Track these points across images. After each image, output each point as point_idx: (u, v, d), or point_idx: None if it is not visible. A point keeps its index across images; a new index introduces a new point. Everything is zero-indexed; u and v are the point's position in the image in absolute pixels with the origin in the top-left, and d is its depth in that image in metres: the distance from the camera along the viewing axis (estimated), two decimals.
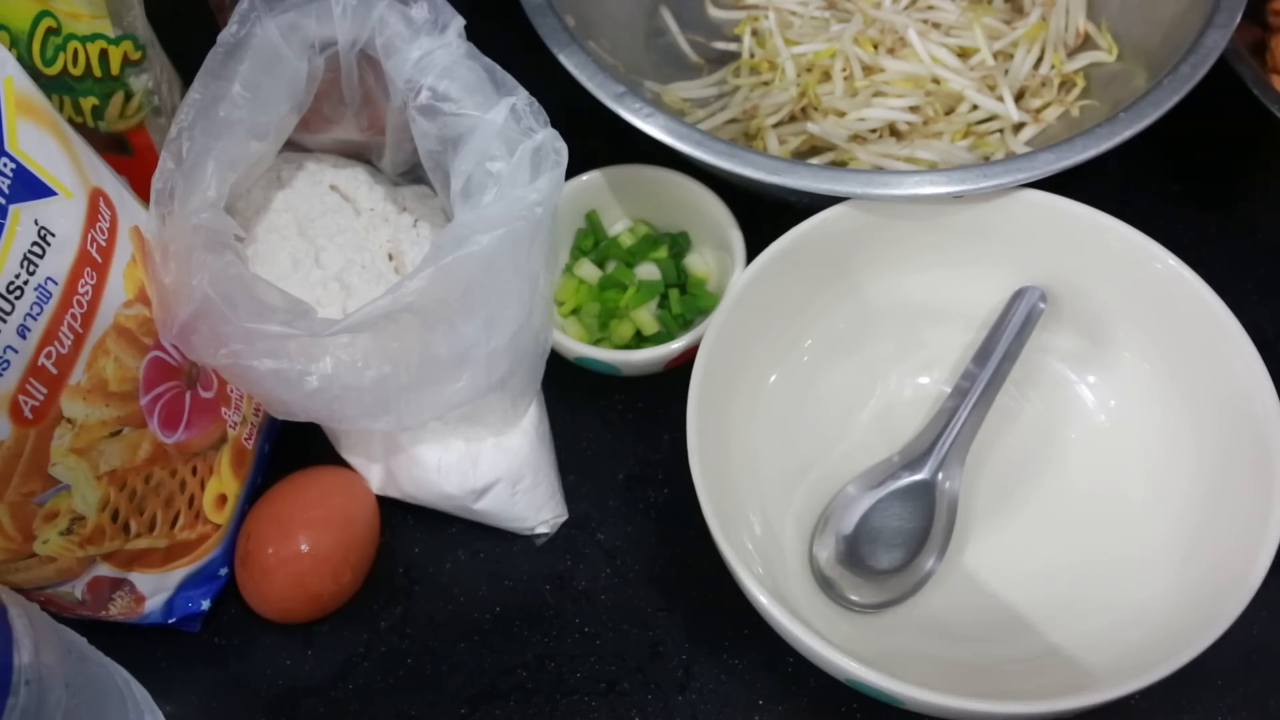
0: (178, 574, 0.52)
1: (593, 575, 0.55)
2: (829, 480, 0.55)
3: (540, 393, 0.55)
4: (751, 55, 0.66)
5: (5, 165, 0.41)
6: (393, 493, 0.56)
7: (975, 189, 0.52)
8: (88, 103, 0.53)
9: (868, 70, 0.62)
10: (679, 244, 0.61)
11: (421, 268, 0.45)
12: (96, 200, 0.45)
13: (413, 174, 0.59)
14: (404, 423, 0.49)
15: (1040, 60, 0.63)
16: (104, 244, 0.45)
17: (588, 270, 0.60)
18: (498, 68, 0.50)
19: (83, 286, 0.44)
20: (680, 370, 0.52)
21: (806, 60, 0.63)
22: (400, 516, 0.57)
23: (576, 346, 0.56)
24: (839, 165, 0.61)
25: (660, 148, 0.54)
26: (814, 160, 0.61)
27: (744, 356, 0.53)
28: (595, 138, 0.56)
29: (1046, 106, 0.62)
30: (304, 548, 0.52)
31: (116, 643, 0.49)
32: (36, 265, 0.42)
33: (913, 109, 0.61)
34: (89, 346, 0.45)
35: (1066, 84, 0.63)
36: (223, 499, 0.53)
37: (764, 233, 0.54)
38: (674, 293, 0.59)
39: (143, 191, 0.49)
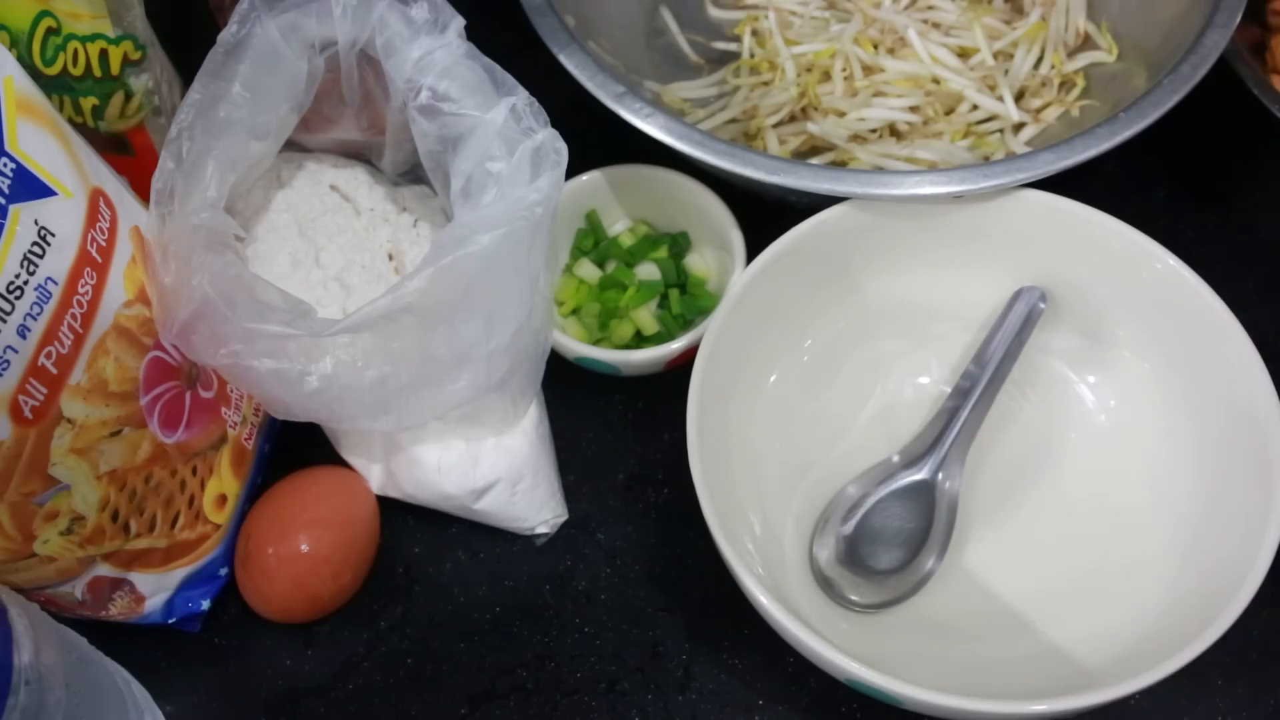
0: (178, 574, 0.52)
1: (593, 575, 0.55)
2: (829, 480, 0.55)
3: (540, 393, 0.55)
4: (751, 55, 0.66)
5: (5, 165, 0.41)
6: (393, 493, 0.56)
7: (975, 189, 0.52)
8: (88, 103, 0.53)
9: (868, 70, 0.62)
10: (679, 244, 0.61)
11: (421, 268, 0.45)
12: (96, 200, 0.45)
13: (413, 174, 0.59)
14: (404, 423, 0.49)
15: (1040, 60, 0.63)
16: (104, 244, 0.45)
17: (588, 270, 0.60)
18: (498, 68, 0.50)
19: (83, 286, 0.44)
20: (680, 370, 0.52)
21: (806, 60, 0.63)
22: (400, 516, 0.57)
23: (576, 346, 0.56)
24: (839, 165, 0.61)
25: (660, 148, 0.54)
26: (814, 160, 0.61)
27: (744, 356, 0.53)
28: (595, 138, 0.56)
29: (1046, 106, 0.62)
30: (304, 548, 0.52)
31: (116, 643, 0.49)
32: (36, 265, 0.42)
33: (913, 109, 0.61)
34: (89, 346, 0.45)
35: (1066, 84, 0.63)
36: (223, 499, 0.53)
37: (764, 233, 0.54)
38: (674, 293, 0.59)
39: (143, 191, 0.49)
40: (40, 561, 0.46)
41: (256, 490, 0.56)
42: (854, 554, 0.53)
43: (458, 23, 0.50)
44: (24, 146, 0.42)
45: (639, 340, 0.59)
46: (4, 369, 0.41)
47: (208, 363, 0.47)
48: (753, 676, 0.52)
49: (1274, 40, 0.61)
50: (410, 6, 0.50)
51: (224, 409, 0.53)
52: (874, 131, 0.62)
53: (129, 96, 0.54)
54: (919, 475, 0.54)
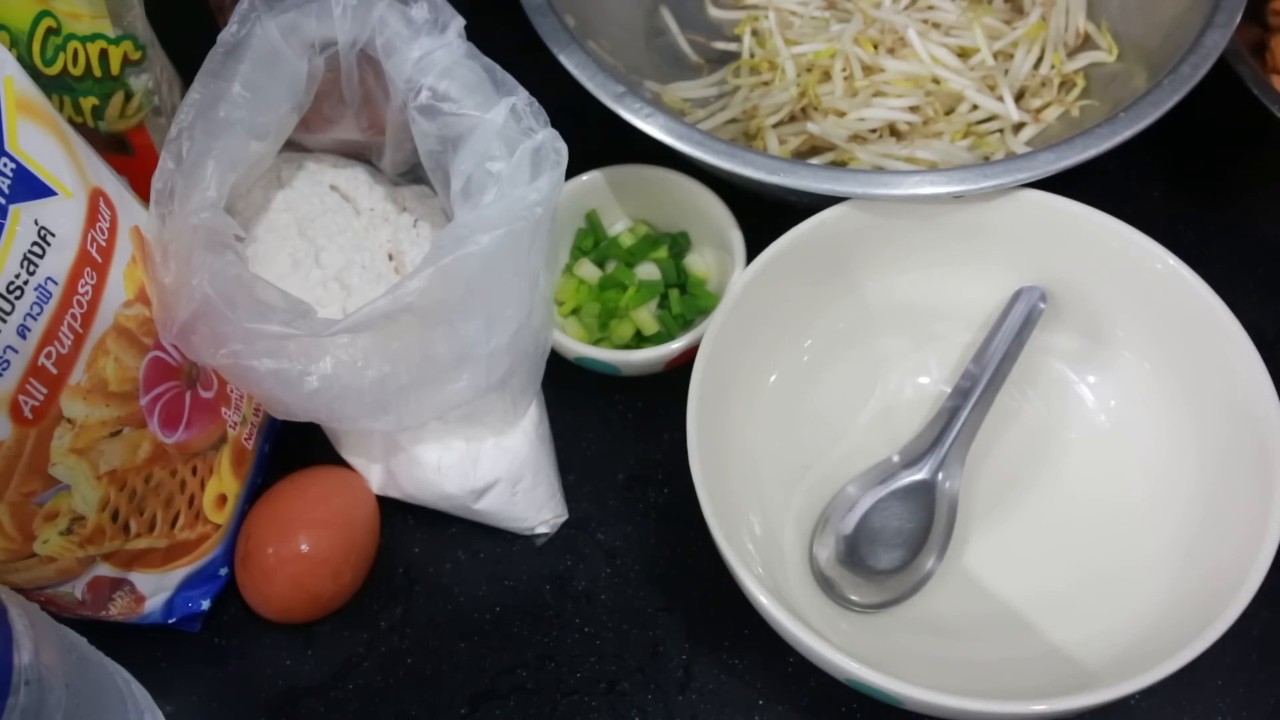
0: (178, 574, 0.52)
1: (593, 575, 0.55)
2: (829, 480, 0.55)
3: (540, 393, 0.55)
4: (751, 55, 0.66)
5: (5, 165, 0.41)
6: (393, 493, 0.56)
7: (975, 189, 0.52)
8: (88, 103, 0.53)
9: (868, 70, 0.62)
10: (679, 244, 0.61)
11: (421, 268, 0.45)
12: (96, 200, 0.45)
13: (413, 174, 0.59)
14: (404, 423, 0.49)
15: (1040, 60, 0.63)
16: (104, 244, 0.45)
17: (588, 270, 0.60)
18: (498, 68, 0.50)
19: (83, 286, 0.44)
20: (680, 370, 0.52)
21: (806, 60, 0.63)
22: (400, 516, 0.57)
23: (576, 346, 0.56)
24: (839, 165, 0.61)
25: (660, 148, 0.54)
26: (814, 160, 0.61)
27: (744, 356, 0.53)
28: (595, 138, 0.56)
29: (1046, 106, 0.62)
30: (304, 548, 0.52)
31: (116, 643, 0.49)
32: (36, 265, 0.42)
33: (913, 109, 0.61)
34: (89, 346, 0.45)
35: (1066, 84, 0.63)
36: (223, 499, 0.53)
37: (764, 233, 0.54)
38: (674, 293, 0.59)
39: (143, 191, 0.49)
40: (40, 561, 0.46)
41: (256, 490, 0.56)
42: (854, 554, 0.53)
43: (458, 23, 0.50)
44: (24, 146, 0.42)
45: (639, 340, 0.59)
46: (4, 369, 0.41)
47: (208, 363, 0.47)
48: (753, 676, 0.52)
49: (1274, 40, 0.61)
50: (410, 6, 0.50)
51: (224, 409, 0.53)
52: (874, 131, 0.62)
53: (129, 96, 0.54)
54: (919, 475, 0.54)
